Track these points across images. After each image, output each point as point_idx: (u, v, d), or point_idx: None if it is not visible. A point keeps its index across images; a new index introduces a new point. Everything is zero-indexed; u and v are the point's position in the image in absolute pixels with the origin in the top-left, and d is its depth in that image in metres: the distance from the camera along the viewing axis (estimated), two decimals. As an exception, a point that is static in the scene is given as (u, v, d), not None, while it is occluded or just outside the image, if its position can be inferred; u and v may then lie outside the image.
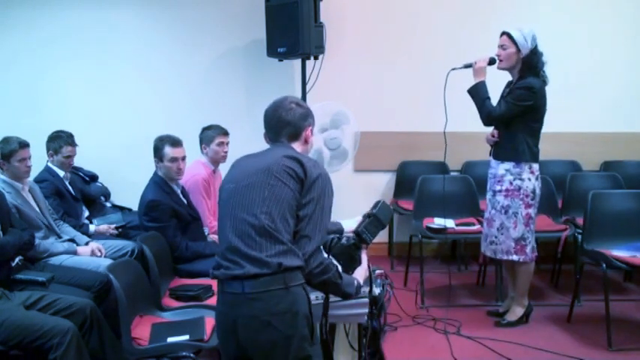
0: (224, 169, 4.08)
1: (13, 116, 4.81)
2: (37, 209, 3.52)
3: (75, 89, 4.96)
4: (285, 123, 2.23)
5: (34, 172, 3.77)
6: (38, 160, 3.85)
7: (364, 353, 2.49)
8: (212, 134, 4.02)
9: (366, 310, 2.34)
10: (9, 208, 3.21)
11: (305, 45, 4.31)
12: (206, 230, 3.89)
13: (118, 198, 4.73)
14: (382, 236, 2.42)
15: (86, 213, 4.24)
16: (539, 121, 3.56)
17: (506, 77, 3.67)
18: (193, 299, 3.12)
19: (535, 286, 4.17)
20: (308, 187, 2.06)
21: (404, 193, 5.03)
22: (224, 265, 2.05)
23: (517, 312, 3.76)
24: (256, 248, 1.99)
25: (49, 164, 4.02)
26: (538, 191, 3.60)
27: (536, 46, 3.47)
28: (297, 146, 2.23)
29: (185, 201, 3.72)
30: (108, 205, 4.60)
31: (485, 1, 5.05)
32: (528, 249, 3.62)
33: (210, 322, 2.70)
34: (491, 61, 3.57)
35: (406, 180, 5.05)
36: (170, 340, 2.63)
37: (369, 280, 2.33)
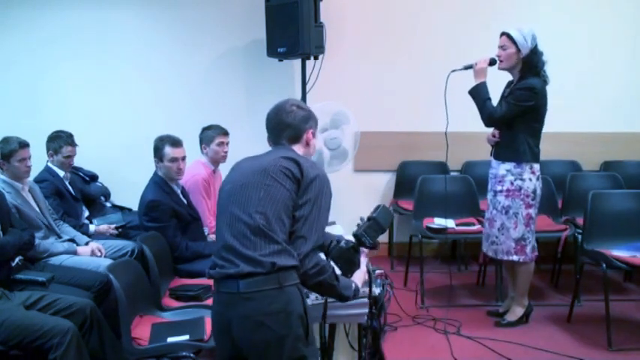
0: (224, 169, 4.09)
1: (13, 116, 4.81)
2: (37, 209, 3.52)
3: (75, 89, 4.95)
4: (285, 125, 2.23)
5: (34, 172, 3.77)
6: (38, 160, 3.85)
7: (364, 353, 2.49)
8: (212, 134, 4.02)
9: (366, 310, 2.34)
10: (9, 208, 3.22)
11: (305, 45, 4.31)
12: (206, 230, 3.89)
13: (118, 198, 4.73)
14: (382, 236, 2.41)
15: (86, 213, 4.24)
16: (540, 121, 3.56)
17: (507, 77, 3.67)
18: (193, 299, 3.12)
19: (535, 286, 4.17)
20: (305, 188, 2.07)
21: (404, 193, 5.03)
22: (219, 264, 2.06)
23: (517, 312, 3.76)
24: (251, 247, 2.00)
25: (49, 164, 4.02)
26: (539, 191, 3.60)
27: (536, 46, 3.47)
28: (298, 148, 2.24)
29: (185, 201, 3.72)
30: (108, 205, 4.60)
31: (485, 1, 5.05)
32: (528, 249, 3.62)
33: (210, 322, 2.69)
34: (492, 62, 3.57)
35: (406, 180, 5.05)
36: (170, 340, 2.63)
37: (369, 281, 2.33)
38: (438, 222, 4.20)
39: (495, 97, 3.61)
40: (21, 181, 3.46)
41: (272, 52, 4.54)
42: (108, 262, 3.18)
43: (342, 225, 3.28)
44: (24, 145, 3.41)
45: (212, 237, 3.80)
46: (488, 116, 3.56)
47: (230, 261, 2.02)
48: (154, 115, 4.96)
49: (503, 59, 3.52)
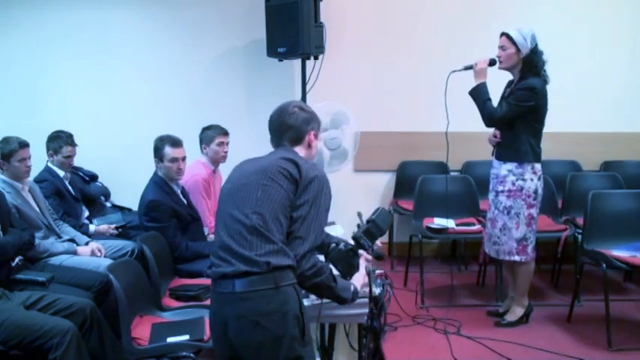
0: (224, 169, 4.10)
1: (13, 116, 4.81)
2: (37, 209, 3.52)
3: (75, 89, 4.95)
4: (287, 127, 2.24)
5: (34, 172, 3.77)
6: (38, 160, 3.85)
7: (364, 353, 2.49)
8: (212, 134, 4.02)
9: (366, 310, 2.34)
10: (9, 208, 3.22)
11: (305, 45, 4.31)
12: (206, 230, 3.89)
13: (118, 198, 4.73)
14: (382, 236, 2.42)
15: (86, 213, 4.24)
16: (541, 121, 3.56)
17: (506, 77, 3.67)
18: (193, 299, 3.12)
19: (535, 286, 4.17)
20: (303, 188, 2.07)
21: (404, 193, 5.03)
22: (216, 263, 2.07)
23: (517, 312, 3.76)
24: (247, 247, 2.00)
25: (49, 164, 4.02)
26: (540, 191, 3.60)
27: (536, 46, 3.47)
28: (299, 150, 2.24)
29: (185, 201, 3.72)
30: (108, 205, 4.60)
31: (485, 1, 5.05)
32: (530, 249, 3.62)
33: (210, 322, 2.70)
34: (492, 62, 3.57)
35: (406, 180, 5.05)
36: (170, 340, 2.63)
37: (369, 281, 2.33)
38: (438, 222, 4.20)
39: (495, 98, 3.61)
40: (21, 181, 3.46)
41: (272, 52, 4.54)
42: (108, 262, 3.18)
43: (342, 225, 3.27)
44: (24, 145, 3.41)
45: (212, 237, 3.79)
46: (489, 117, 3.56)
47: (226, 260, 2.03)
48: (154, 115, 4.96)
49: (503, 60, 3.52)
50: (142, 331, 2.72)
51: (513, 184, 3.56)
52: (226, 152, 4.06)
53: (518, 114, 3.50)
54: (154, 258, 3.13)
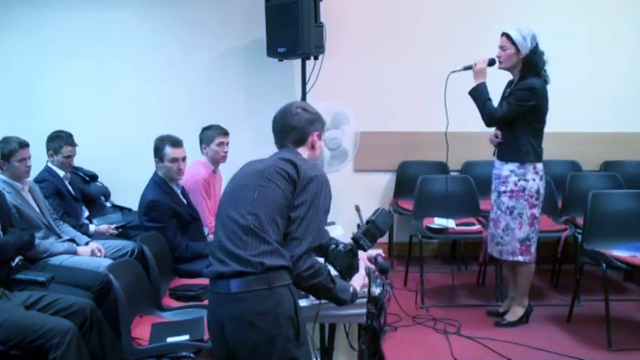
0: (224, 169, 4.10)
1: (13, 116, 4.81)
2: (37, 209, 3.52)
3: (75, 89, 4.96)
4: (290, 128, 2.23)
5: (34, 172, 3.77)
6: (38, 160, 3.85)
7: (364, 353, 2.49)
8: (212, 134, 4.02)
9: (366, 310, 2.33)
10: (9, 208, 3.22)
11: (305, 45, 4.31)
12: (206, 230, 3.89)
13: (118, 198, 4.73)
14: (382, 237, 2.41)
15: (86, 213, 4.24)
16: (542, 121, 3.56)
17: (507, 77, 3.67)
18: (193, 299, 3.12)
19: (535, 286, 4.16)
20: (301, 189, 2.06)
21: (404, 193, 5.03)
22: (212, 262, 2.08)
23: (517, 312, 3.76)
24: (242, 247, 2.00)
25: (49, 164, 4.02)
26: (542, 191, 3.60)
27: (536, 46, 3.46)
28: (303, 151, 2.23)
29: (185, 201, 3.72)
30: (108, 205, 4.60)
31: (485, 1, 5.05)
32: (533, 249, 3.62)
33: (210, 322, 2.70)
34: (491, 62, 3.57)
35: (406, 180, 5.04)
36: (170, 340, 2.63)
37: (369, 281, 2.33)
38: (438, 222, 4.20)
39: (495, 97, 3.61)
40: (21, 181, 3.46)
41: (272, 52, 4.54)
42: (108, 262, 3.18)
43: (342, 225, 3.28)
44: (24, 145, 3.41)
45: (212, 237, 3.79)
46: (489, 116, 3.56)
47: (222, 260, 2.03)
48: (154, 115, 4.96)
49: (503, 60, 3.52)
50: (142, 331, 2.72)
51: (515, 184, 3.56)
52: (226, 152, 4.06)
53: (518, 114, 3.50)
54: (154, 258, 3.13)
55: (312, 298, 2.29)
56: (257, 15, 4.65)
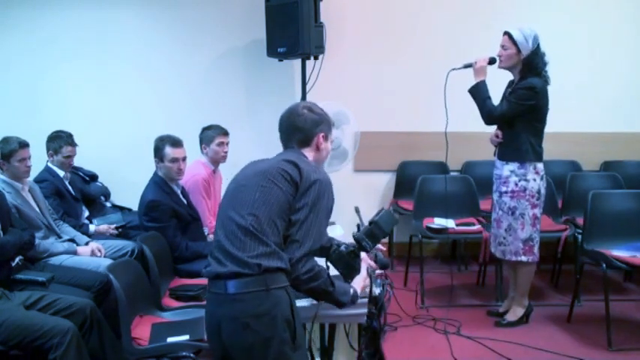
0: (224, 169, 4.10)
1: (13, 116, 4.81)
2: (37, 209, 3.52)
3: (75, 89, 4.95)
4: (295, 128, 2.22)
5: (34, 172, 3.77)
6: (38, 160, 3.85)
7: (364, 353, 2.49)
8: (212, 134, 4.02)
9: (366, 310, 2.34)
10: (9, 208, 3.22)
11: (305, 45, 4.31)
12: (206, 230, 3.89)
13: (118, 198, 4.73)
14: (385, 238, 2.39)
15: (86, 213, 4.24)
16: (542, 121, 3.56)
17: (507, 77, 3.66)
18: (193, 299, 3.12)
19: (535, 286, 4.16)
20: (303, 192, 2.04)
21: (404, 193, 5.03)
22: (211, 262, 2.07)
23: (517, 312, 3.76)
24: (240, 248, 1.99)
25: (49, 164, 4.02)
26: (543, 191, 3.60)
27: (538, 47, 3.46)
28: (307, 152, 2.22)
29: (185, 201, 3.72)
30: (108, 205, 4.60)
31: (485, 1, 5.05)
32: (536, 249, 3.62)
33: (209, 322, 2.70)
34: (492, 61, 3.56)
35: (406, 180, 5.04)
36: (170, 340, 2.63)
37: (370, 282, 2.32)
38: (438, 222, 4.20)
39: (495, 97, 3.61)
40: (21, 181, 3.46)
41: (272, 52, 4.54)
42: (108, 262, 3.18)
43: (342, 225, 3.28)
44: (24, 145, 3.41)
45: (212, 237, 3.79)
46: (488, 114, 3.56)
47: (220, 261, 2.02)
48: (154, 115, 4.96)
49: (503, 59, 3.52)
50: (142, 331, 2.72)
51: (516, 184, 3.56)
52: (226, 152, 4.06)
53: (517, 112, 3.50)
54: (154, 258, 3.13)
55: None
56: (257, 15, 4.65)
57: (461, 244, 5.05)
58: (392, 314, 3.71)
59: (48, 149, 4.01)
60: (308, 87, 4.65)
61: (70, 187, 4.07)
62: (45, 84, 4.92)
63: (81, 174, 4.51)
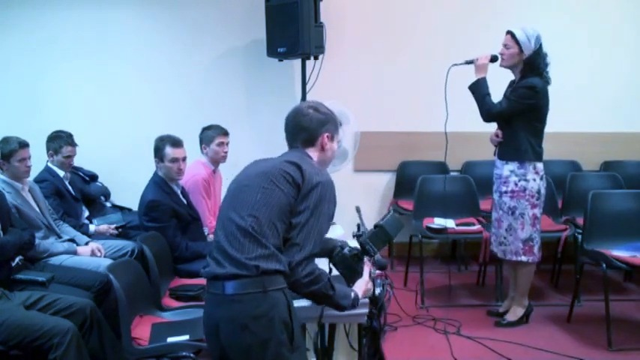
0: (224, 169, 4.10)
1: (13, 116, 4.81)
2: (37, 209, 3.52)
3: (75, 89, 4.96)
4: (300, 128, 2.20)
5: (34, 172, 3.77)
6: (38, 160, 3.85)
7: (364, 353, 2.49)
8: (212, 134, 4.02)
9: (366, 310, 2.33)
10: (9, 207, 3.22)
11: (305, 45, 4.31)
12: (206, 230, 3.89)
13: (118, 198, 4.73)
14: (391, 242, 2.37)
15: (86, 213, 4.24)
16: (542, 121, 3.56)
17: (508, 76, 3.66)
18: (193, 299, 3.12)
19: (535, 286, 4.16)
20: (304, 194, 2.02)
21: (404, 193, 5.03)
22: (210, 263, 2.06)
23: (517, 312, 3.76)
24: (239, 249, 1.98)
25: (49, 164, 4.02)
26: (543, 191, 3.60)
27: (540, 47, 3.46)
28: (312, 152, 2.20)
29: (185, 201, 3.72)
30: (108, 205, 4.60)
31: (485, 1, 5.06)
32: (536, 249, 3.62)
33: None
34: (493, 59, 3.57)
35: (406, 180, 5.05)
36: (170, 340, 2.63)
37: (372, 284, 2.31)
38: (438, 222, 4.20)
39: (496, 96, 3.60)
40: (21, 181, 3.46)
41: (272, 52, 4.54)
42: (108, 262, 3.18)
43: (342, 225, 3.27)
44: (24, 145, 3.41)
45: (212, 237, 3.79)
46: (487, 111, 3.56)
47: (219, 261, 2.01)
48: (154, 115, 4.96)
49: (505, 57, 3.52)
50: (142, 331, 2.72)
51: (516, 184, 3.56)
52: (226, 152, 4.06)
53: (516, 111, 3.50)
54: (154, 258, 3.13)
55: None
56: (257, 15, 4.65)
57: (461, 244, 5.05)
58: (392, 314, 3.72)
59: (48, 149, 4.01)
60: (308, 87, 4.65)
61: (70, 187, 4.07)
62: (45, 84, 4.92)
63: (81, 174, 4.51)
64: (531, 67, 3.48)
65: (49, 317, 2.66)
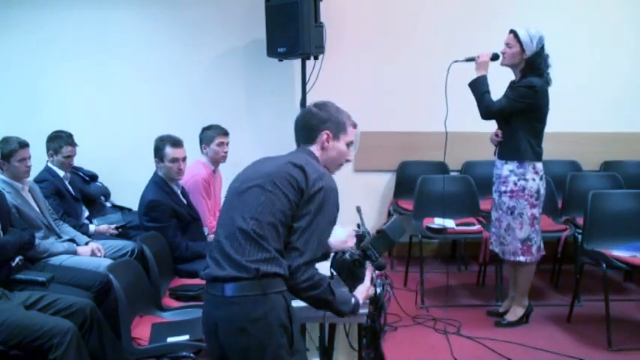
0: (224, 169, 4.10)
1: (13, 116, 4.81)
2: (37, 209, 3.52)
3: (75, 89, 4.96)
4: (303, 126, 2.22)
5: (34, 172, 3.77)
6: (38, 160, 3.85)
7: (364, 353, 2.49)
8: (212, 134, 4.02)
9: (366, 310, 2.33)
10: (9, 207, 3.22)
11: (305, 45, 4.31)
12: (206, 230, 3.89)
13: (118, 198, 4.73)
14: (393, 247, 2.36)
15: (86, 213, 4.25)
16: (542, 121, 3.56)
17: (509, 76, 3.66)
18: (193, 299, 3.12)
19: (535, 286, 4.16)
20: (307, 199, 2.01)
21: (404, 193, 5.03)
22: (209, 264, 2.05)
23: (517, 312, 3.76)
24: (239, 252, 1.97)
25: (49, 164, 4.02)
26: (542, 191, 3.60)
27: (542, 48, 3.46)
28: (315, 150, 2.20)
29: (185, 201, 3.72)
30: (108, 205, 4.61)
31: (485, 1, 5.05)
32: (534, 249, 3.62)
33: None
34: (494, 57, 3.57)
35: (406, 180, 5.04)
36: (170, 340, 2.63)
37: (373, 290, 2.30)
38: (438, 222, 4.20)
39: (496, 95, 3.60)
40: (21, 181, 3.46)
41: (272, 52, 4.54)
42: (108, 262, 3.18)
43: (342, 225, 3.27)
44: (24, 145, 3.41)
45: (212, 237, 3.78)
46: (486, 109, 3.56)
47: (219, 263, 2.01)
48: (154, 115, 4.96)
49: (507, 56, 3.52)
50: (142, 331, 2.72)
51: (515, 184, 3.56)
52: (226, 152, 4.06)
53: (515, 110, 3.50)
54: (154, 258, 3.13)
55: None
56: (257, 15, 4.65)
57: (461, 244, 5.05)
58: (392, 314, 3.71)
59: (48, 149, 4.01)
60: (308, 87, 4.65)
61: (70, 187, 4.07)
62: (45, 84, 4.92)
63: (81, 174, 4.51)
64: (532, 68, 3.48)
65: (49, 317, 2.66)
